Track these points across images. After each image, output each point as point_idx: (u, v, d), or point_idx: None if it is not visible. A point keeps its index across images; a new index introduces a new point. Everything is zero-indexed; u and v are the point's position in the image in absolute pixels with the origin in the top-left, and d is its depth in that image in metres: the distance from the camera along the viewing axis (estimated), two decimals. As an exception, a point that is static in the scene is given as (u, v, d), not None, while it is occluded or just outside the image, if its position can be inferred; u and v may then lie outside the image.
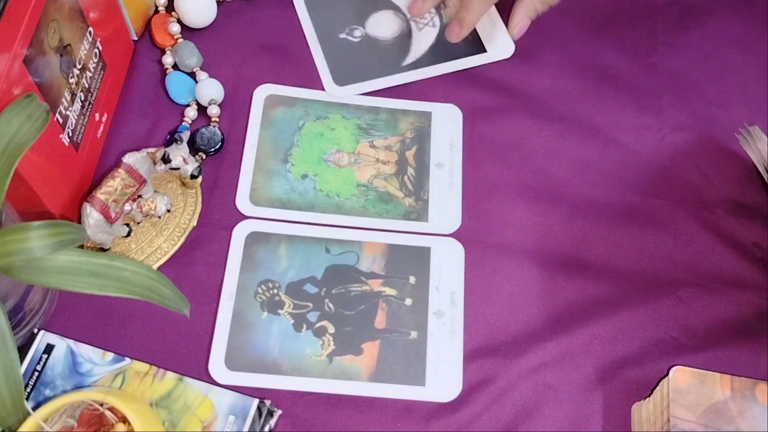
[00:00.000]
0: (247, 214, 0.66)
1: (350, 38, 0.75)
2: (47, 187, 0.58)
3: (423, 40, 0.75)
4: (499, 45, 0.75)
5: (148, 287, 0.49)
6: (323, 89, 0.72)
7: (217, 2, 0.75)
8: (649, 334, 0.63)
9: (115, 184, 0.61)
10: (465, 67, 0.74)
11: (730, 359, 0.62)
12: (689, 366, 0.55)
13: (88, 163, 0.65)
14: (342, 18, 0.76)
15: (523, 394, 0.60)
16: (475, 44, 0.75)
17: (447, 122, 0.71)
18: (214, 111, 0.70)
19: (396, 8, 0.77)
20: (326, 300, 0.63)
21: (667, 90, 0.74)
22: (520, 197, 0.68)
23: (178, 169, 0.63)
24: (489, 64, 0.75)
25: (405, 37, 0.75)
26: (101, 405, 0.52)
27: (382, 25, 0.76)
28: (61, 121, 0.59)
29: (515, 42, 0.74)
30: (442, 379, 0.60)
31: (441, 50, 0.74)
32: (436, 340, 0.61)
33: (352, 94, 0.72)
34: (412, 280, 0.64)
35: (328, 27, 0.76)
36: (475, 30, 0.75)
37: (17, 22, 0.52)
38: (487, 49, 0.75)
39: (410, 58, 0.74)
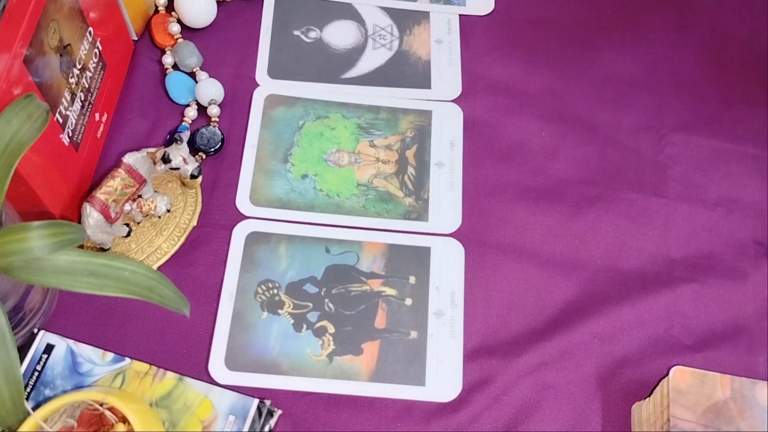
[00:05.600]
0: (247, 214, 0.66)
1: (303, 37, 0.75)
2: (47, 187, 0.58)
3: (373, 59, 0.74)
4: (446, 86, 0.73)
5: (148, 287, 0.49)
6: (255, 77, 0.72)
7: (217, 2, 0.75)
8: (649, 334, 0.62)
9: (115, 184, 0.61)
10: (402, 98, 0.72)
11: (730, 359, 0.62)
12: (689, 366, 0.55)
13: (88, 163, 0.65)
14: (303, 17, 0.76)
15: (523, 394, 0.60)
16: (422, 78, 0.74)
17: (448, 121, 0.71)
18: (214, 111, 0.70)
19: (361, 21, 0.76)
20: (326, 300, 0.62)
21: (667, 90, 0.74)
22: (520, 197, 0.68)
23: (178, 169, 0.63)
24: (489, 63, 0.75)
25: (357, 52, 0.74)
26: (101, 405, 0.52)
27: (340, 34, 0.76)
28: (61, 121, 0.59)
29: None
30: (442, 379, 0.60)
31: (386, 75, 0.74)
32: (436, 340, 0.61)
33: (281, 88, 0.72)
34: (412, 280, 0.64)
35: (286, 21, 0.76)
36: (428, 63, 0.74)
37: (17, 22, 0.52)
38: (432, 86, 0.73)
39: (352, 73, 0.73)
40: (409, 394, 0.59)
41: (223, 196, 0.67)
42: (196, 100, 0.70)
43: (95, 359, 0.58)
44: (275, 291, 0.63)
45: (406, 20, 0.77)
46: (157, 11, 0.75)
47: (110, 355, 0.59)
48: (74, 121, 0.62)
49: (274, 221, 0.66)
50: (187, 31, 0.74)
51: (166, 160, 0.62)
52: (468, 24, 0.77)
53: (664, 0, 0.80)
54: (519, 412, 0.59)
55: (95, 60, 0.65)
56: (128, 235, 0.64)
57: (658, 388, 0.57)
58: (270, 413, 0.57)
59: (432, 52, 0.75)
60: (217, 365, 0.59)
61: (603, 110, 0.73)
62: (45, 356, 0.58)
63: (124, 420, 0.51)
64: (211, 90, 0.70)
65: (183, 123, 0.70)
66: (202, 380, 0.58)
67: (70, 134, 0.61)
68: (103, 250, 0.62)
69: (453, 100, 0.73)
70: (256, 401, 0.57)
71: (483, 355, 0.61)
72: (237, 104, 0.71)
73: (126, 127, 0.69)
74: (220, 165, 0.68)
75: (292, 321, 0.62)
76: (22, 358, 0.57)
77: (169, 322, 0.61)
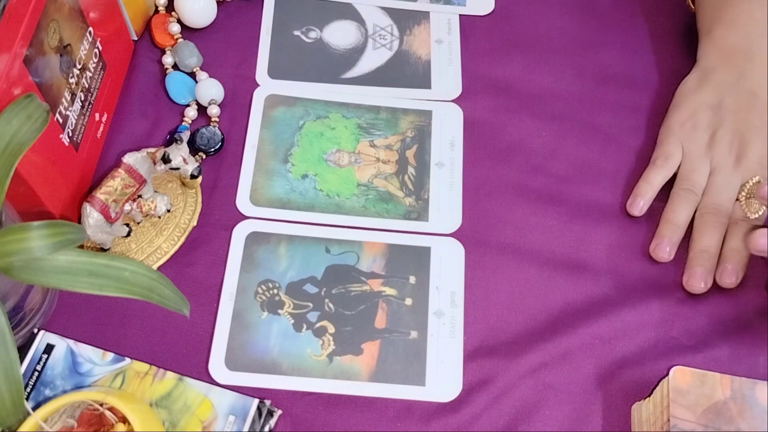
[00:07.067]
0: (247, 214, 0.66)
1: (303, 37, 0.75)
2: (47, 187, 0.58)
3: (373, 59, 0.74)
4: (446, 86, 0.73)
5: (148, 287, 0.49)
6: (255, 78, 0.72)
7: (217, 2, 0.75)
8: (649, 334, 0.62)
9: (115, 184, 0.61)
10: (402, 98, 0.72)
11: (730, 359, 0.62)
12: (689, 366, 0.55)
13: (88, 163, 0.65)
14: (303, 17, 0.76)
15: (523, 394, 0.60)
16: (422, 78, 0.73)
17: (448, 121, 0.71)
18: (214, 111, 0.70)
19: (361, 21, 0.76)
20: (326, 300, 0.62)
21: (667, 90, 0.74)
22: (520, 197, 0.68)
23: (178, 169, 0.63)
24: (489, 63, 0.75)
25: (357, 52, 0.74)
26: (101, 405, 0.52)
27: (340, 34, 0.75)
28: (61, 121, 0.59)
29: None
30: (442, 379, 0.60)
31: (386, 75, 0.73)
32: (436, 340, 0.61)
33: (281, 88, 0.72)
34: (412, 280, 0.64)
35: (286, 21, 0.76)
36: (428, 63, 0.74)
37: (17, 22, 0.52)
38: (432, 86, 0.73)
39: (352, 73, 0.73)
40: (409, 394, 0.59)
41: (223, 196, 0.67)
42: (196, 100, 0.70)
43: (95, 359, 0.58)
44: (275, 291, 0.63)
45: (406, 20, 0.77)
46: (157, 11, 0.75)
47: (110, 355, 0.59)
48: (74, 121, 0.62)
49: (274, 221, 0.66)
50: (187, 31, 0.74)
51: (166, 160, 0.62)
52: (468, 24, 0.77)
53: (665, 0, 0.80)
54: (519, 412, 0.59)
55: (95, 60, 0.65)
56: (128, 235, 0.64)
57: (658, 388, 0.57)
58: (270, 413, 0.57)
59: (432, 52, 0.75)
60: (217, 365, 0.59)
61: (603, 110, 0.73)
62: (45, 356, 0.58)
63: (124, 420, 0.51)
64: (211, 90, 0.70)
65: (183, 123, 0.70)
66: (202, 380, 0.58)
67: (70, 134, 0.61)
68: (103, 250, 0.62)
69: (453, 100, 0.73)
70: (256, 401, 0.57)
71: (483, 355, 0.61)
72: (237, 104, 0.71)
73: (126, 127, 0.69)
74: (220, 165, 0.68)
75: (292, 321, 0.62)
76: (22, 358, 0.57)
77: (169, 322, 0.61)
